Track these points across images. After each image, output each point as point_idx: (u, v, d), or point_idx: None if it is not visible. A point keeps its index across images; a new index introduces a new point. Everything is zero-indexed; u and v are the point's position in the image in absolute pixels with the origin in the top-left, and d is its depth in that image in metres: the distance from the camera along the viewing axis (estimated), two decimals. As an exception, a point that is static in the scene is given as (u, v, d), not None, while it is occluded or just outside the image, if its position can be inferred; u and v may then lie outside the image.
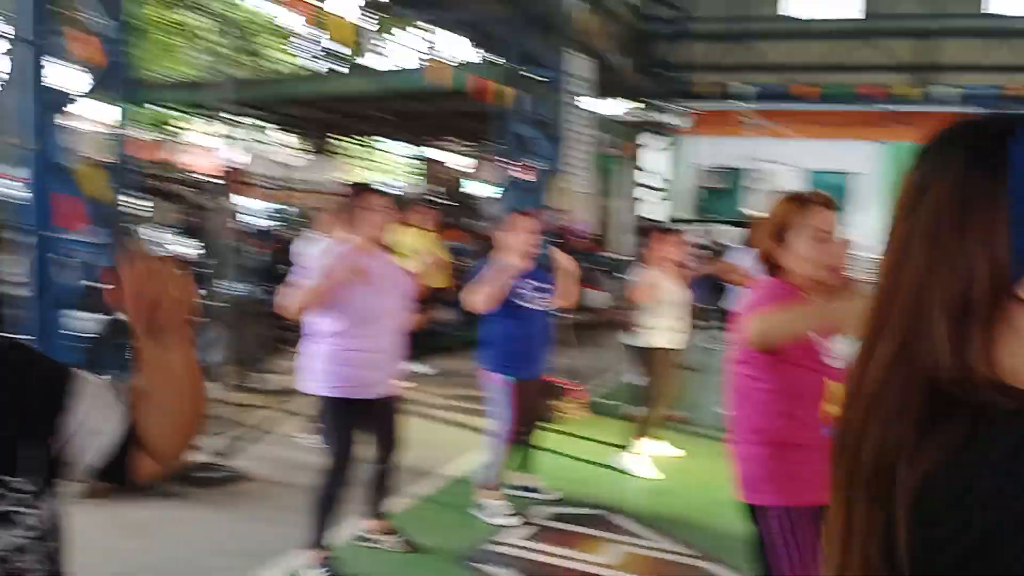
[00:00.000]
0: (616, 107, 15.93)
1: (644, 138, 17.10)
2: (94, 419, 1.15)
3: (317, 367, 3.59)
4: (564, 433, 5.86)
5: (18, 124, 5.31)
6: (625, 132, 15.84)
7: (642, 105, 16.74)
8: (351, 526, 3.96)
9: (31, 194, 5.19)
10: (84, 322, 5.53)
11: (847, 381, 0.74)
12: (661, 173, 17.90)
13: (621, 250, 13.33)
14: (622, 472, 5.27)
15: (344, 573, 3.60)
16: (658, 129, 17.19)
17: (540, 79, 9.60)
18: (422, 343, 8.05)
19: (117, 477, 1.23)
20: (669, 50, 16.93)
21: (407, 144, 18.96)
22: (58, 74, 5.37)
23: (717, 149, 16.97)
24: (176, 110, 15.37)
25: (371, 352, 3.56)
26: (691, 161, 17.78)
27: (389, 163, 22.52)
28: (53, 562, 1.00)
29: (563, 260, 4.56)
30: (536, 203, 9.14)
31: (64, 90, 5.29)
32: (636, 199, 16.99)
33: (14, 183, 5.41)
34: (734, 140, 16.08)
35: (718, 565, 3.87)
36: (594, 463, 5.47)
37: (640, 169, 17.23)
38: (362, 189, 3.85)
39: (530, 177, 9.49)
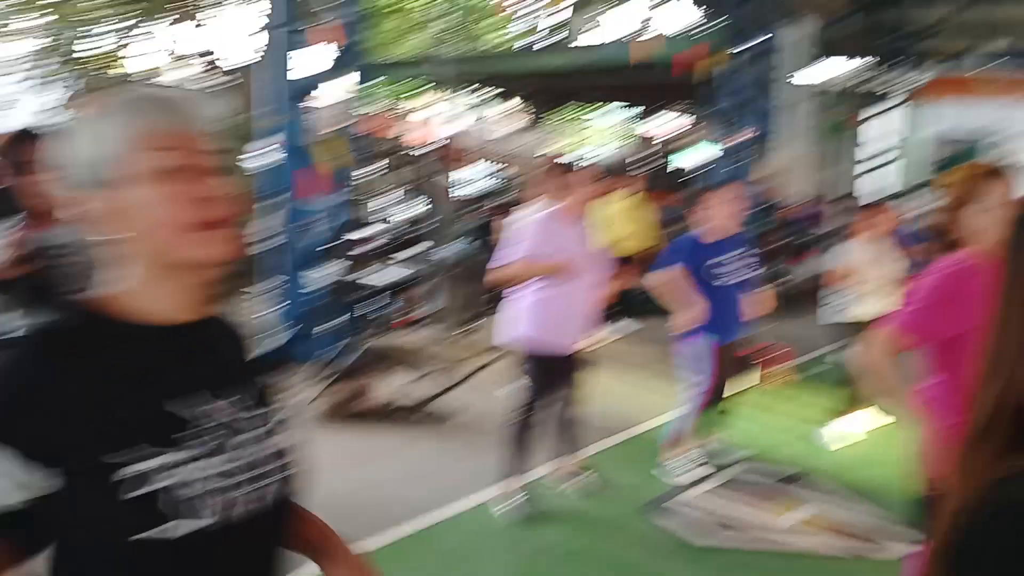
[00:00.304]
0: (840, 71, 15.15)
1: (870, 105, 16.15)
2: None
3: (518, 321, 3.97)
4: (763, 399, 5.88)
5: (266, 105, 6.09)
6: (850, 99, 15.04)
7: (870, 69, 15.79)
8: (542, 468, 4.33)
9: (277, 168, 5.96)
10: (318, 280, 6.31)
11: (966, 410, 0.81)
12: (888, 142, 16.83)
13: (836, 221, 12.79)
14: (820, 441, 5.24)
15: (535, 506, 3.98)
16: (887, 95, 16.15)
17: (754, 45, 9.42)
18: (624, 303, 8.31)
19: None
20: (902, 9, 15.77)
21: (618, 113, 19.11)
22: (303, 60, 6.08)
23: (954, 116, 15.65)
24: (404, 87, 16.46)
25: (569, 309, 3.90)
26: (924, 130, 16.54)
27: (600, 131, 22.79)
28: (289, 477, 1.16)
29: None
30: (746, 172, 9.05)
31: (307, 75, 5.98)
32: (859, 170, 16.12)
33: (263, 158, 6.23)
34: (973, 107, 14.78)
35: (908, 533, 3.83)
36: (791, 431, 5.47)
37: (863, 138, 16.30)
38: (568, 160, 4.18)
39: (741, 146, 9.38)
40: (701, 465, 4.55)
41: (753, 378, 5.77)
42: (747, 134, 9.36)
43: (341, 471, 4.41)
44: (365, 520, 3.80)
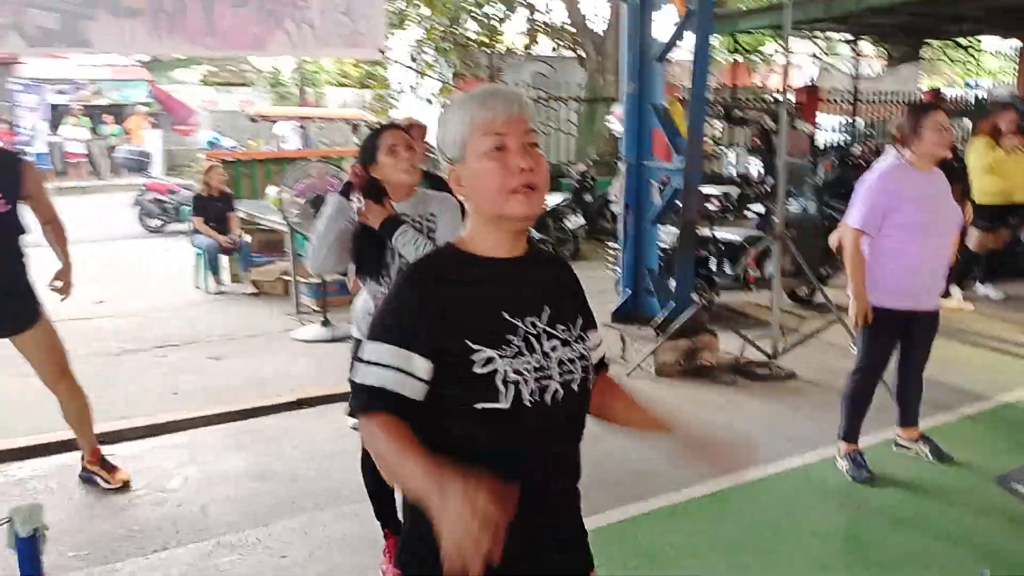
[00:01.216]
0: None
1: None
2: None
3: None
4: None
5: (623, 70, 6.50)
6: None
7: None
8: (881, 433, 4.31)
9: (631, 129, 6.36)
10: (666, 235, 6.67)
11: None
12: None
13: None
14: None
15: (869, 469, 3.98)
16: None
17: None
18: (995, 264, 7.60)
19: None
20: None
21: (1004, 40, 16.77)
22: (654, 23, 6.38)
23: None
24: (758, 34, 16.02)
25: (918, 266, 3.77)
26: None
27: (983, 64, 20.14)
28: (588, 375, 1.57)
29: None
30: None
31: (657, 38, 6.26)
32: None
33: (618, 120, 6.67)
34: None
35: None
36: None
37: None
38: (929, 102, 3.96)
39: None
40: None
41: None
42: None
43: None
44: (687, 472, 4.15)
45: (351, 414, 1.53)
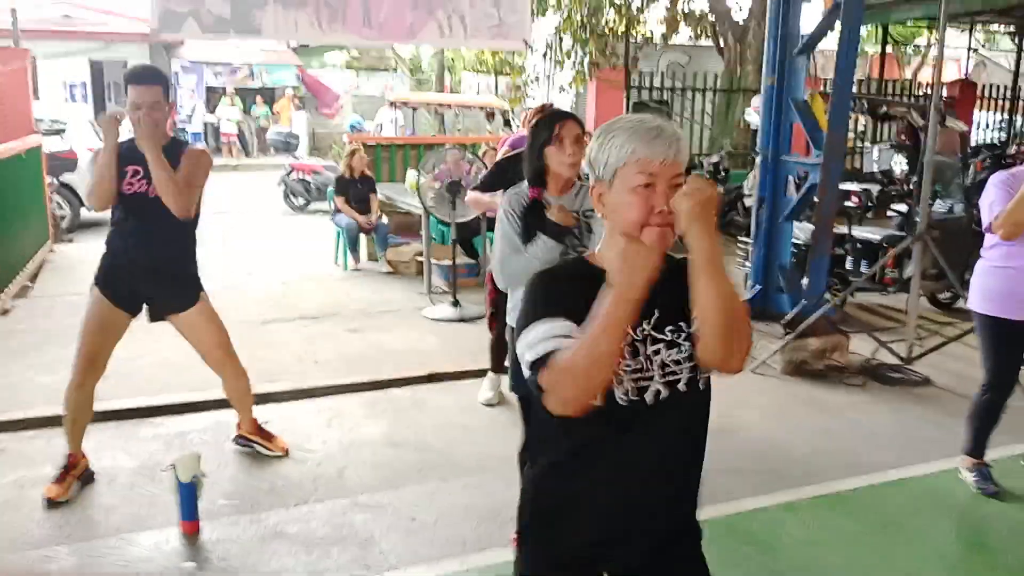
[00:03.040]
0: None
1: None
2: None
3: (978, 284, 3.71)
4: None
5: (764, 63, 6.41)
6: None
7: None
8: (1016, 444, 4.16)
9: (768, 122, 6.27)
10: (801, 232, 6.54)
11: None
12: None
13: None
14: None
15: (997, 483, 3.83)
16: None
17: None
18: None
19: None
20: None
21: None
22: (802, 14, 6.24)
23: None
24: (907, 29, 15.28)
25: None
26: None
27: None
28: (696, 375, 1.62)
29: None
30: None
31: (800, 32, 6.13)
32: None
33: (756, 113, 6.58)
34: None
35: None
36: None
37: None
38: None
39: None
40: None
41: None
42: None
43: (795, 420, 4.75)
44: (812, 469, 4.12)
45: (514, 390, 1.67)
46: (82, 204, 10.00)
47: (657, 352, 1.56)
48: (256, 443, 4.17)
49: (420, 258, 7.91)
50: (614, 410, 1.53)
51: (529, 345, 1.51)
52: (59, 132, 10.31)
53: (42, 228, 8.47)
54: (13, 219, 7.28)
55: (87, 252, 8.78)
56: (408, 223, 8.84)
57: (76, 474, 3.74)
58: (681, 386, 1.57)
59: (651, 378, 1.55)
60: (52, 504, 3.58)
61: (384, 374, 5.23)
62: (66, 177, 9.92)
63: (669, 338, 1.57)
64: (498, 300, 4.04)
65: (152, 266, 3.69)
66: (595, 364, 1.42)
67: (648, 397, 1.55)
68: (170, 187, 3.49)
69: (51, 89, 17.72)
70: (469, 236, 7.61)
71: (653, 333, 1.56)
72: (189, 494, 3.43)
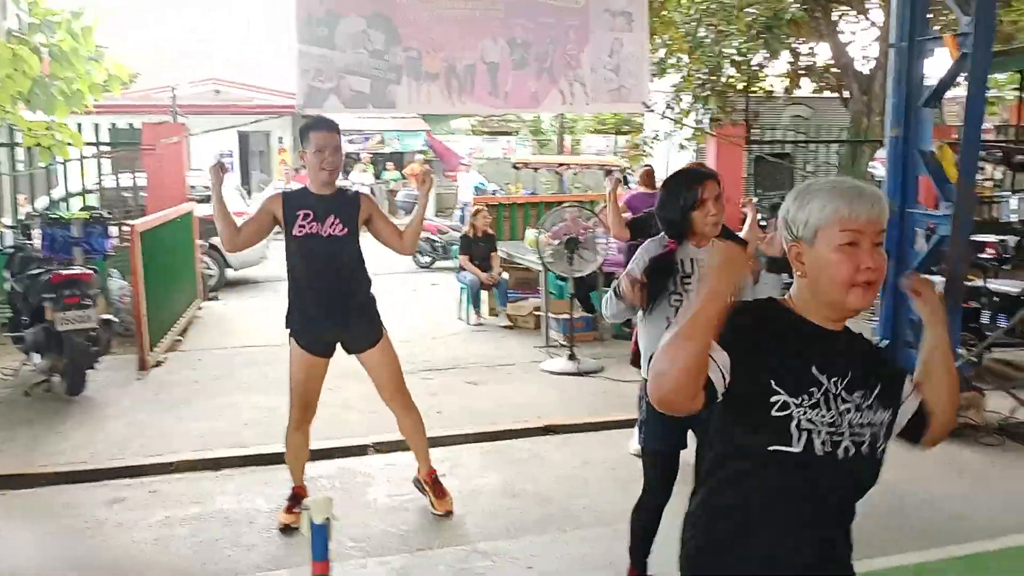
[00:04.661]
0: None
1: None
2: (906, 396, 1.77)
3: None
4: None
5: (888, 114, 6.29)
6: None
7: None
8: None
9: (894, 174, 6.13)
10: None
11: None
12: None
13: None
14: None
15: None
16: None
17: None
18: None
19: (913, 438, 1.76)
20: None
21: None
22: (927, 66, 6.12)
23: None
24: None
25: None
26: None
27: None
28: (876, 439, 1.64)
29: None
30: None
31: (927, 83, 6.00)
32: None
33: (882, 165, 6.44)
34: None
35: None
36: None
37: None
38: None
39: None
40: None
41: None
42: None
43: (926, 479, 4.55)
44: (940, 532, 3.94)
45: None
46: (228, 265, 10.74)
47: (848, 411, 1.59)
48: (426, 494, 4.24)
49: (538, 312, 8.07)
50: (810, 460, 1.55)
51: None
52: (209, 199, 11.14)
53: (192, 287, 9.15)
54: (168, 279, 7.92)
55: (231, 310, 9.44)
56: (527, 279, 9.05)
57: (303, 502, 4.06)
58: (864, 448, 1.60)
59: (843, 434, 1.57)
60: (286, 530, 3.96)
61: (503, 425, 5.37)
62: (215, 240, 10.69)
63: (857, 402, 1.60)
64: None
65: (334, 306, 3.86)
66: (681, 358, 1.46)
67: (840, 452, 1.57)
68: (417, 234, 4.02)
69: (203, 159, 19.19)
70: (586, 291, 7.72)
71: (844, 394, 1.59)
72: (321, 535, 3.62)
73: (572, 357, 6.81)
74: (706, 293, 1.51)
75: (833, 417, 1.56)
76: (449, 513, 4.19)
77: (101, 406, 5.81)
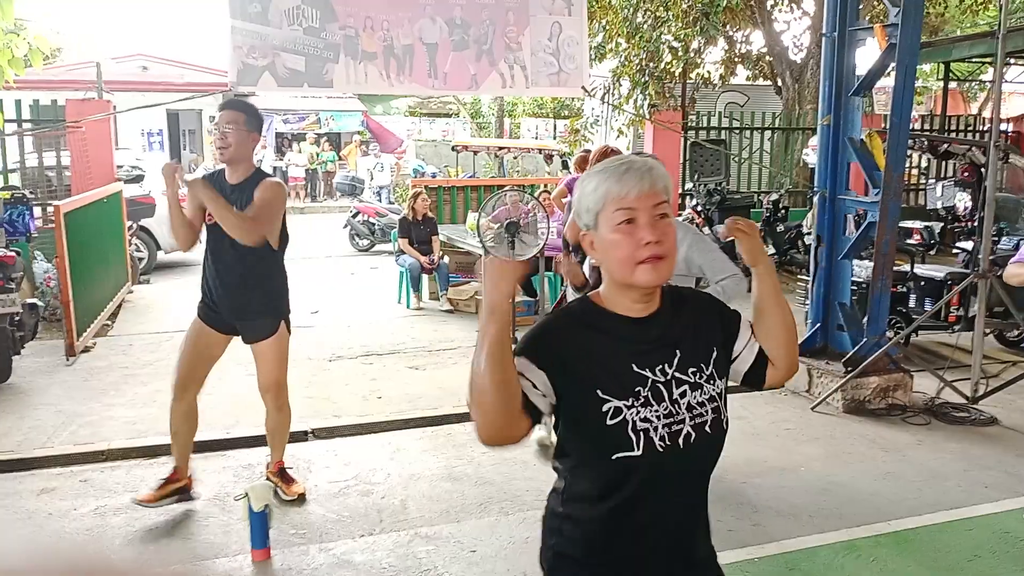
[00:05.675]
0: None
1: None
2: (744, 345, 1.75)
3: None
4: None
5: (820, 103, 6.45)
6: None
7: None
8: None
9: (825, 161, 6.29)
10: (861, 269, 6.51)
11: None
12: None
13: None
14: None
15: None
16: None
17: None
18: None
19: (756, 383, 1.74)
20: None
21: None
22: (851, 56, 6.27)
23: None
24: (966, 66, 15.07)
25: None
26: None
27: None
28: (720, 415, 1.62)
29: None
30: None
31: (857, 73, 6.16)
32: None
33: (814, 152, 6.59)
34: None
35: None
36: None
37: None
38: None
39: None
40: None
41: None
42: None
43: (856, 459, 4.71)
44: (873, 508, 4.08)
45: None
46: (159, 247, 10.46)
47: (683, 395, 1.55)
48: (275, 485, 4.14)
49: (479, 297, 8.06)
50: (653, 458, 1.51)
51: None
52: (138, 179, 10.83)
53: (121, 269, 8.89)
54: (96, 261, 7.67)
55: (162, 293, 9.19)
56: (468, 263, 9.04)
57: (173, 488, 3.97)
58: (708, 428, 1.56)
59: (683, 421, 1.53)
60: (138, 503, 3.87)
61: (443, 410, 5.36)
62: (144, 221, 10.40)
63: (692, 380, 1.57)
64: None
65: (229, 292, 3.86)
66: (488, 392, 1.45)
67: (680, 441, 1.53)
68: (228, 219, 3.63)
69: (130, 137, 18.59)
70: (527, 275, 7.74)
71: (677, 375, 1.56)
72: (261, 523, 3.58)
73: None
74: (485, 313, 1.47)
75: (667, 408, 1.53)
76: (301, 496, 4.13)
77: (28, 393, 5.62)
